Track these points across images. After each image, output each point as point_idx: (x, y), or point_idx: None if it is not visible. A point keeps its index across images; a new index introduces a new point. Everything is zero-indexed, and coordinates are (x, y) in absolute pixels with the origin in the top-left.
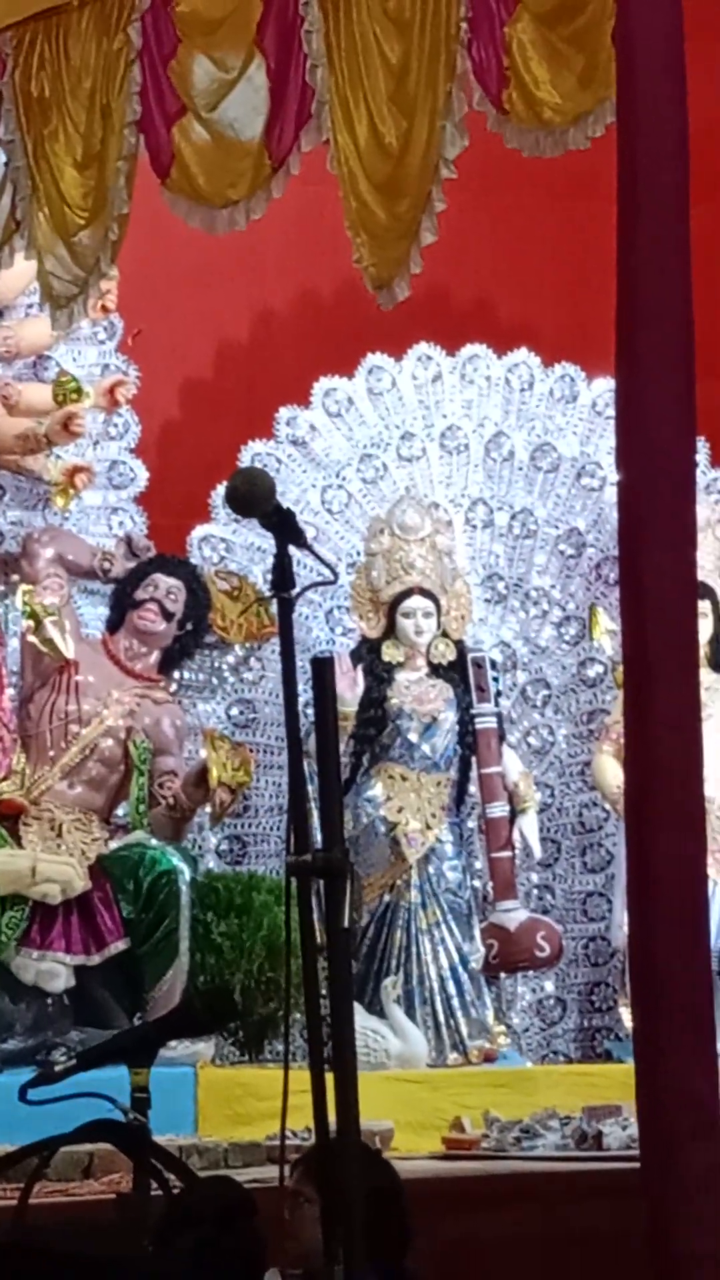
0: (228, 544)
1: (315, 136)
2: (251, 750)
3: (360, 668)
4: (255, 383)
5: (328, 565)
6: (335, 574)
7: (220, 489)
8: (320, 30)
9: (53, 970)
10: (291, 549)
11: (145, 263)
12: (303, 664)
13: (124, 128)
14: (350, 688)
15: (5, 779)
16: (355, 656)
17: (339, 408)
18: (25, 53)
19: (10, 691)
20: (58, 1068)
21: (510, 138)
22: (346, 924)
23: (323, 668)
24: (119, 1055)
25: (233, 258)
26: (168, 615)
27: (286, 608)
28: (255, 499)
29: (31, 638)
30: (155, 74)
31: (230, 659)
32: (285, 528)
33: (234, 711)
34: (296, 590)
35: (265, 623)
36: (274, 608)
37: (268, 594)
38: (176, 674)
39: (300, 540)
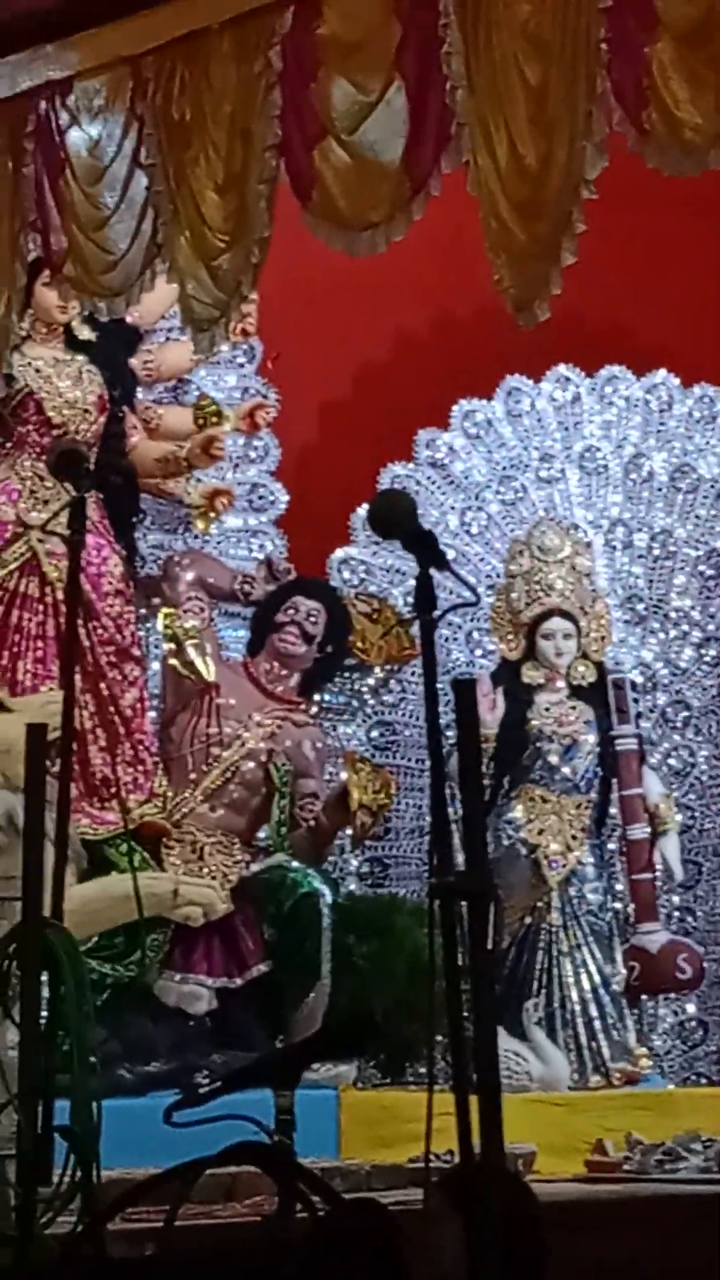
0: (368, 566)
1: (455, 158)
2: (392, 773)
3: (500, 690)
4: (394, 405)
5: (469, 587)
6: (477, 596)
7: (360, 511)
8: (460, 52)
9: (195, 993)
10: (432, 571)
11: (285, 287)
12: (442, 686)
13: (264, 151)
14: (490, 710)
15: (147, 802)
16: (495, 679)
17: (478, 430)
18: (166, 78)
19: (151, 715)
20: (202, 1090)
21: (651, 157)
22: (490, 947)
23: (465, 690)
24: (263, 1077)
25: (371, 281)
26: (308, 638)
27: (429, 630)
28: (397, 521)
29: (173, 661)
30: (295, 97)
31: (370, 681)
32: (426, 550)
33: (374, 734)
34: (438, 612)
35: (405, 645)
36: (415, 630)
37: (409, 616)
38: (317, 697)
39: (441, 562)
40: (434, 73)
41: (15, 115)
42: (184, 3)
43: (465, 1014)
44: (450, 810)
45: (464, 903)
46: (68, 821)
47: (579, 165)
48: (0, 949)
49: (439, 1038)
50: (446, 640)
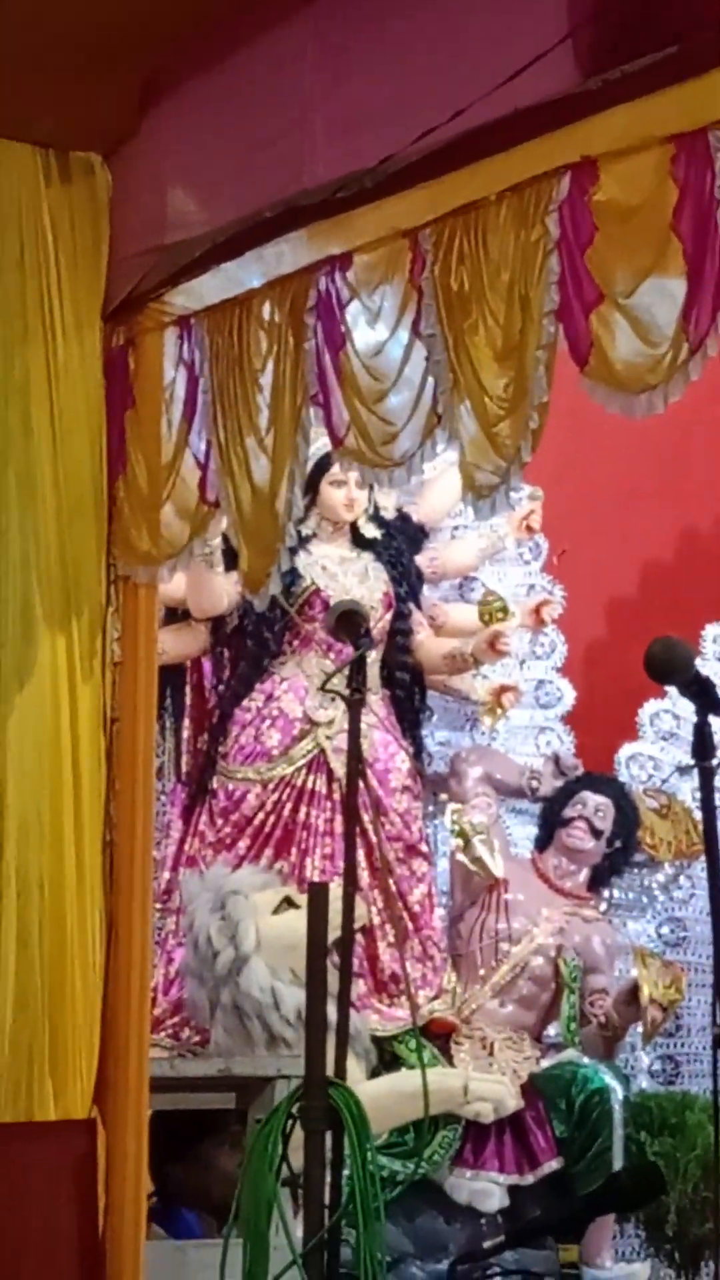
0: (655, 762)
1: None
2: (683, 969)
3: None
4: (681, 601)
5: None
6: None
7: (648, 707)
8: None
9: (486, 1190)
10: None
11: (570, 484)
12: None
13: (543, 317)
14: None
15: (436, 998)
16: None
17: None
18: (444, 249)
19: (440, 911)
20: (486, 1244)
21: None
22: None
23: None
24: (546, 1230)
25: (656, 476)
26: (597, 833)
27: (708, 777)
28: (674, 665)
29: (461, 856)
30: (573, 263)
31: (660, 877)
32: (704, 695)
33: (664, 930)
34: (718, 759)
35: (695, 840)
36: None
37: (689, 764)
38: (606, 892)
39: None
40: (710, 234)
41: (296, 291)
42: (462, 174)
43: None
44: None
45: None
46: (348, 1011)
47: None
48: (284, 1105)
49: None
50: None
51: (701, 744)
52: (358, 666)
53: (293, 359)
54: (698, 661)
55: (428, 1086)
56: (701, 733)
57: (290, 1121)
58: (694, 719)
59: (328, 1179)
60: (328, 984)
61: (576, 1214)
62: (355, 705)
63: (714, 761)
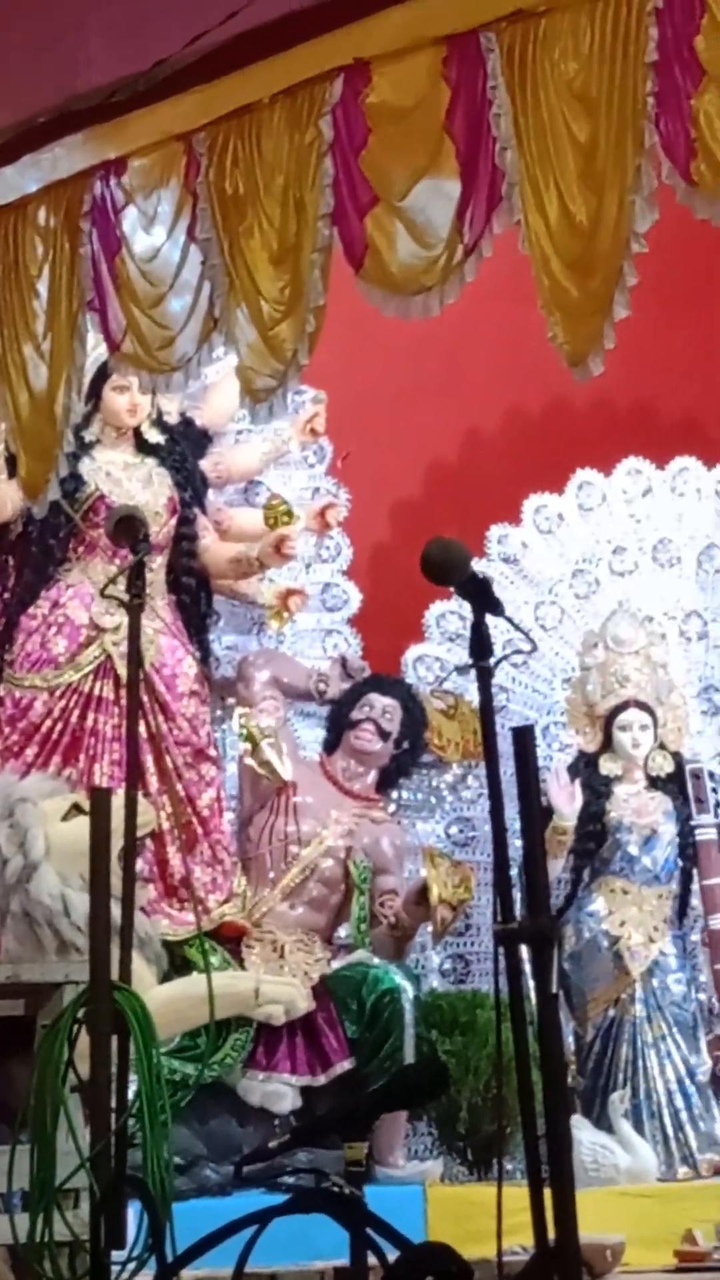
0: (442, 663)
1: (506, 219)
2: (472, 868)
3: (578, 782)
4: (465, 502)
5: (525, 635)
6: (533, 644)
7: (434, 608)
8: (508, 113)
9: (279, 1091)
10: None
11: (353, 386)
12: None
13: (317, 220)
14: (569, 802)
15: (226, 902)
16: (573, 771)
17: (550, 524)
18: (219, 152)
19: (229, 815)
20: (272, 1144)
21: (699, 209)
22: (554, 991)
23: (524, 737)
24: (332, 1128)
25: (439, 379)
26: (384, 735)
27: (485, 677)
28: (451, 566)
29: (249, 760)
30: (347, 165)
31: (448, 778)
32: (481, 596)
33: (453, 830)
34: (495, 659)
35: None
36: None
37: (468, 664)
38: (394, 793)
39: (497, 608)
40: (483, 134)
41: (71, 196)
42: (235, 78)
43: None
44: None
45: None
46: (133, 915)
47: (629, 219)
48: (69, 1011)
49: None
50: None
51: (479, 644)
52: (137, 572)
53: (69, 265)
54: (480, 563)
55: (219, 990)
56: (479, 632)
57: (76, 1026)
58: None
59: (114, 1083)
60: (113, 889)
61: (360, 1112)
62: (135, 611)
63: (491, 661)
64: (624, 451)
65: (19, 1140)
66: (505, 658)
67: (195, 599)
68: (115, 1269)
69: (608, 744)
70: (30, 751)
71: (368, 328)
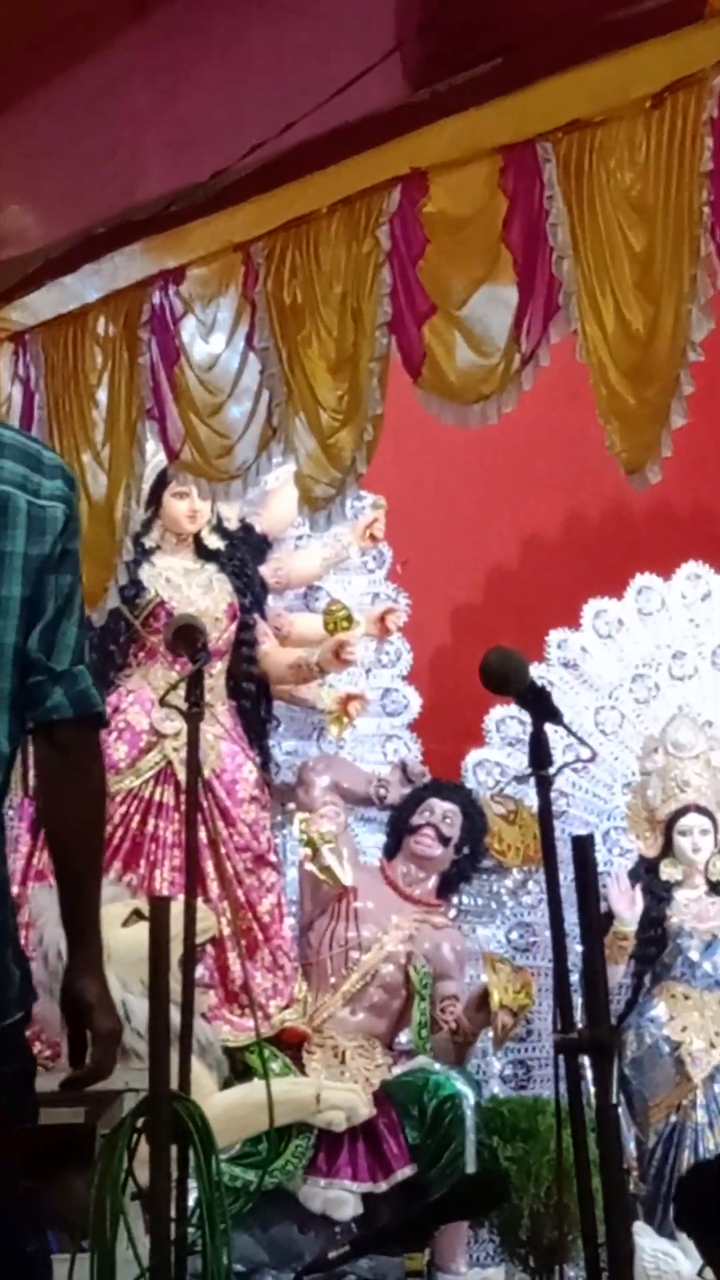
0: (502, 768)
1: (563, 327)
2: (532, 973)
3: (639, 887)
4: (525, 607)
5: (584, 743)
6: (593, 752)
7: (493, 713)
8: (565, 222)
9: (340, 1198)
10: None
11: (412, 492)
12: None
13: (375, 329)
14: (629, 907)
15: (287, 1007)
16: (633, 876)
17: (610, 629)
18: (277, 261)
19: (290, 920)
20: (333, 1254)
21: None
22: (614, 1102)
23: (584, 846)
24: (391, 1240)
25: (498, 485)
26: (444, 840)
27: (545, 786)
28: (510, 676)
29: (309, 866)
30: (405, 274)
31: (508, 883)
32: (540, 705)
33: (513, 935)
34: (554, 768)
35: None
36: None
37: (527, 773)
38: (455, 898)
39: (556, 717)
40: (540, 244)
41: (130, 305)
42: (292, 188)
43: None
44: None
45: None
46: (191, 1022)
47: (685, 328)
48: (129, 1120)
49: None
50: None
51: (538, 753)
52: (196, 680)
53: (127, 373)
54: (541, 668)
55: (280, 1096)
56: (538, 742)
57: (136, 1136)
58: None
59: (173, 1192)
60: (172, 996)
61: (419, 1221)
62: (194, 719)
63: (551, 770)
64: (684, 556)
65: (79, 1248)
66: (565, 766)
67: (255, 704)
68: None
69: (668, 849)
70: None
71: (428, 433)
